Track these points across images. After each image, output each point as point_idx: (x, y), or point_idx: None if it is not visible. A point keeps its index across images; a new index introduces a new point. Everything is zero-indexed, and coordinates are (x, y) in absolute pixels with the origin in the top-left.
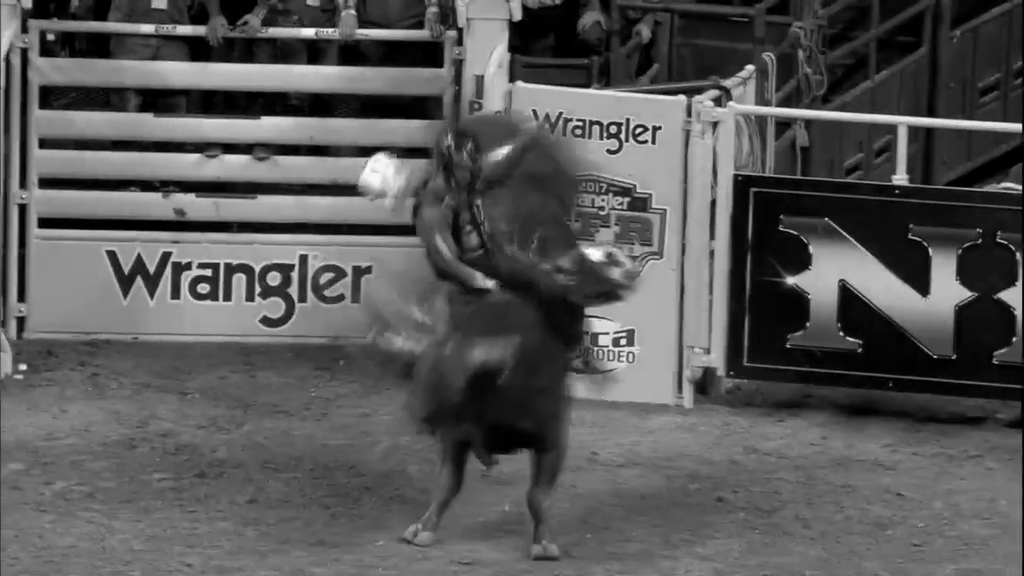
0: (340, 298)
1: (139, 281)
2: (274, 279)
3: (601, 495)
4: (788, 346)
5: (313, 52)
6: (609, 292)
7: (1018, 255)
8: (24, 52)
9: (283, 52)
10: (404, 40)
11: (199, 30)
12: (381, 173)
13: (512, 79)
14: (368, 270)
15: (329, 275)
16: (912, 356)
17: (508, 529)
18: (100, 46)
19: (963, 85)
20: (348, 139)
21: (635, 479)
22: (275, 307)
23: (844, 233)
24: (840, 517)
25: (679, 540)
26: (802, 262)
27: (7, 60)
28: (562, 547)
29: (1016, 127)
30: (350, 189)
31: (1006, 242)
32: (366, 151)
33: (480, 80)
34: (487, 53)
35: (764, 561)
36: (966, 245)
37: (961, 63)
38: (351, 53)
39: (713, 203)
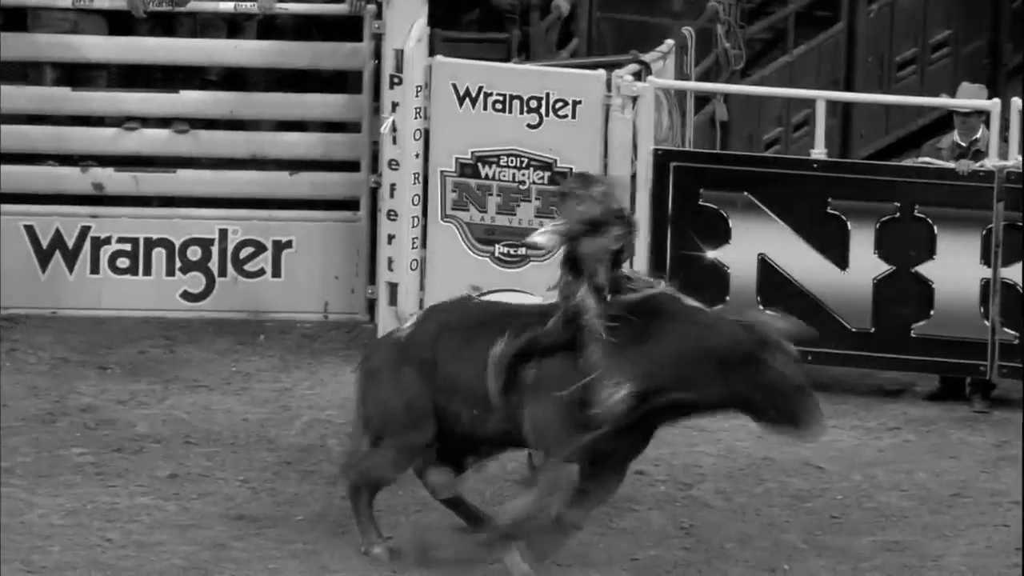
0: (260, 272)
1: (57, 256)
2: (194, 253)
3: (503, 465)
4: None
5: (232, 27)
6: None
7: (935, 228)
8: None
9: (202, 26)
10: (323, 14)
11: (118, 3)
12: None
13: (432, 53)
14: (288, 244)
15: (249, 249)
16: (831, 329)
17: (414, 511)
18: (17, 20)
19: (880, 59)
20: (268, 113)
21: None
22: (195, 281)
23: (763, 207)
24: (760, 490)
25: (597, 512)
26: (722, 236)
27: None
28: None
29: (934, 101)
30: (270, 163)
31: (924, 216)
32: (285, 125)
33: (400, 54)
34: (407, 27)
35: (684, 534)
36: (884, 219)
37: (879, 37)
38: (268, 27)
39: (633, 177)
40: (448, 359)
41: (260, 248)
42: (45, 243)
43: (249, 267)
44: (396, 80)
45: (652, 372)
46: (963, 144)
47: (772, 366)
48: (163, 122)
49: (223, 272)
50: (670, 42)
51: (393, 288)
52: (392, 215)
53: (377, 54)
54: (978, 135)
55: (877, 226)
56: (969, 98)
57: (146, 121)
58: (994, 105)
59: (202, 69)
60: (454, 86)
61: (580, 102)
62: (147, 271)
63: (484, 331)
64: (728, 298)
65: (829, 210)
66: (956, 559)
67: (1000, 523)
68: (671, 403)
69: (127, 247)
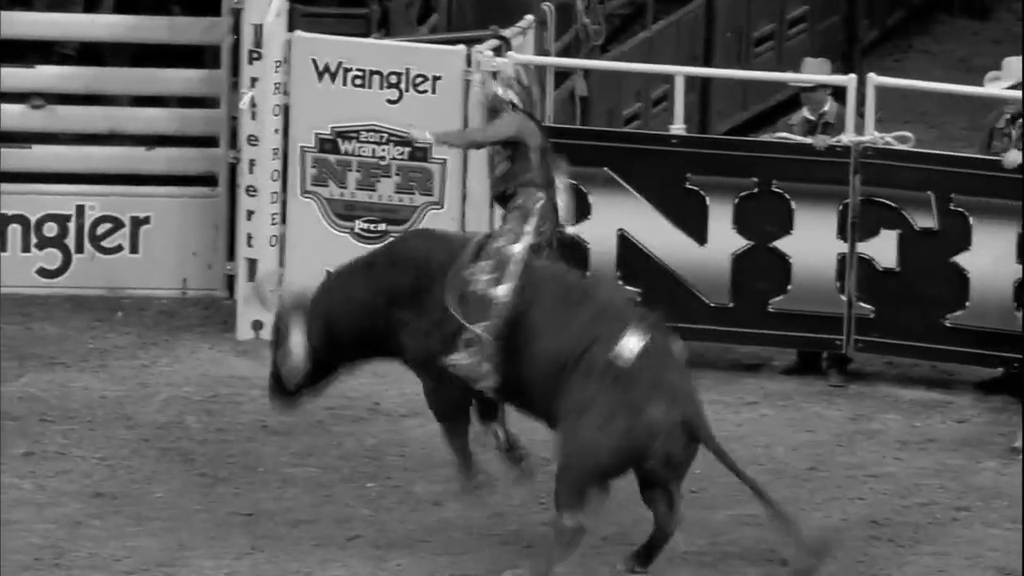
0: (118, 249)
1: None
2: (51, 230)
3: (384, 446)
4: None
5: (88, 0)
6: None
7: (793, 204)
8: None
9: (59, 0)
10: None
11: None
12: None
13: (291, 28)
14: (146, 220)
15: (107, 225)
16: (690, 304)
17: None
18: None
19: (739, 35)
20: (125, 88)
21: (417, 428)
22: (52, 258)
23: (623, 182)
24: None
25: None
26: (581, 211)
27: None
28: (353, 499)
29: (788, 76)
30: (127, 139)
31: (781, 191)
32: (143, 100)
33: (259, 29)
34: (266, 1)
35: (544, 508)
36: (742, 194)
37: (737, 13)
38: (126, 1)
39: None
40: None
41: (118, 224)
42: None
43: (106, 243)
44: (255, 55)
45: None
46: (812, 118)
47: None
48: (19, 97)
49: (80, 248)
50: (530, 17)
51: (252, 264)
52: (251, 191)
53: (236, 29)
54: (825, 108)
55: (735, 201)
56: (813, 73)
57: (1, 96)
58: (850, 81)
59: (58, 43)
60: (314, 61)
61: (440, 78)
62: (3, 247)
63: None
64: (588, 274)
65: (688, 185)
66: (812, 532)
67: (856, 496)
68: None
69: None
